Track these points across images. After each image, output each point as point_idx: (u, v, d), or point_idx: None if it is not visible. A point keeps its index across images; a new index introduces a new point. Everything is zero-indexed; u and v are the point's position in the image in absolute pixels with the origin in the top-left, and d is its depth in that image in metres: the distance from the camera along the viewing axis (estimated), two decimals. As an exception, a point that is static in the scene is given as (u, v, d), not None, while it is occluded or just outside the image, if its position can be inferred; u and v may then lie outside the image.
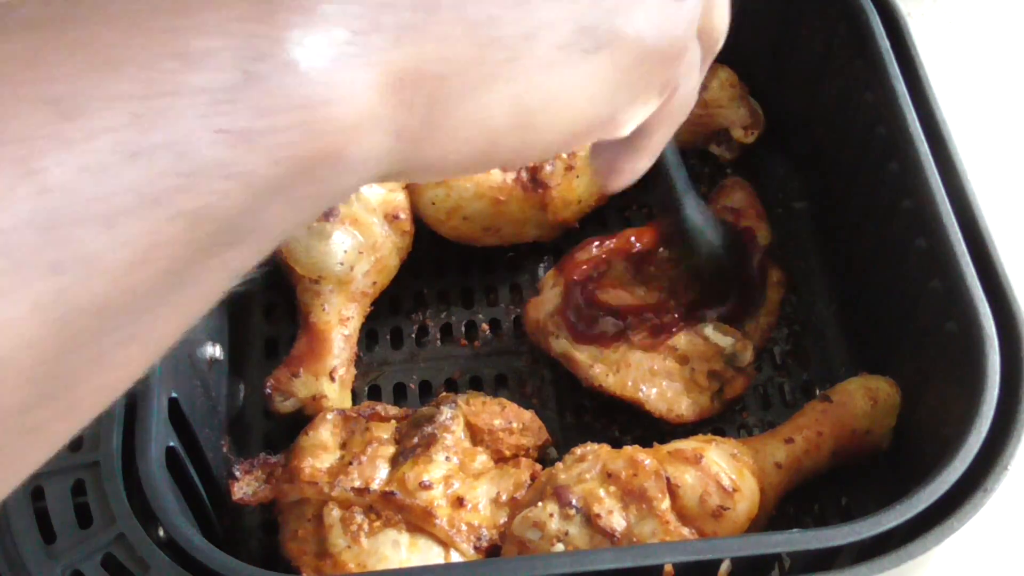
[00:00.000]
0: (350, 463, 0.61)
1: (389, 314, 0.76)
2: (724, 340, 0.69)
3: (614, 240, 0.72)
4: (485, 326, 0.76)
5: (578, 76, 0.34)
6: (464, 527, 0.59)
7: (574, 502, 0.57)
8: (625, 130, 0.38)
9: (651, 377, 0.68)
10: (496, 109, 0.32)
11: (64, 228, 0.23)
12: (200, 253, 0.26)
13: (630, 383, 0.67)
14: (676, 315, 0.69)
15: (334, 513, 0.59)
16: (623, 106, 0.36)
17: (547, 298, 0.70)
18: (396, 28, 0.29)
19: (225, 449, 0.67)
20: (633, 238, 0.72)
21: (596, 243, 0.72)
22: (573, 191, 0.74)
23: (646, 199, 0.82)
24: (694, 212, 0.67)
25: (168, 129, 0.25)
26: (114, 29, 0.25)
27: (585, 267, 0.70)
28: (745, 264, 0.73)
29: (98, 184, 0.24)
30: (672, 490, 0.58)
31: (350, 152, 0.28)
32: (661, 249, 0.72)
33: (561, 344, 0.69)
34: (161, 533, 0.51)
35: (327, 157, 0.28)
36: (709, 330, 0.69)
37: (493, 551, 0.59)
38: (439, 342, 0.75)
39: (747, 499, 0.59)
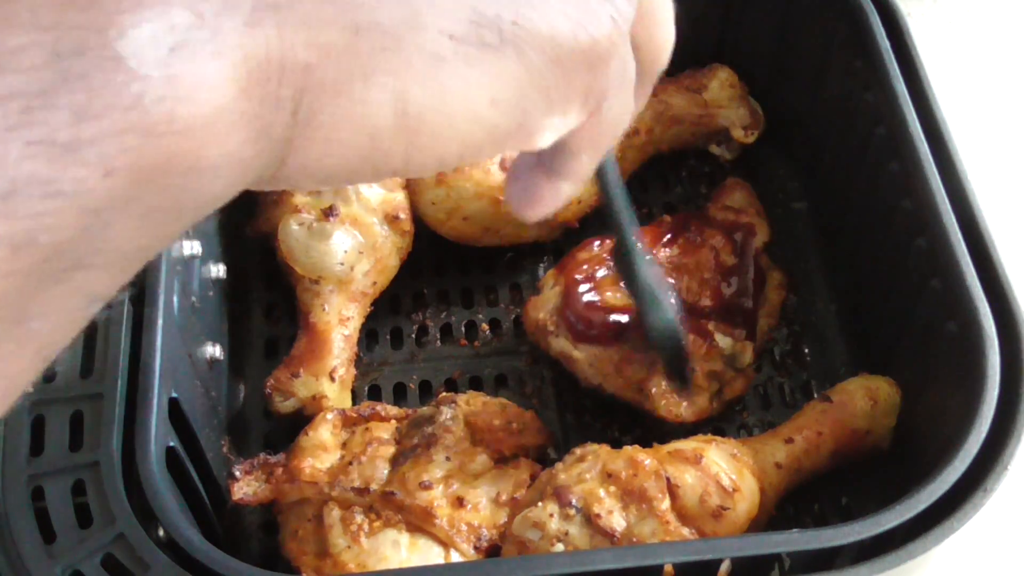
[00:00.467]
0: (350, 463, 0.61)
1: (389, 314, 0.76)
2: (724, 340, 0.69)
3: (612, 241, 0.72)
4: (485, 326, 0.76)
5: (477, 73, 0.29)
6: (464, 527, 0.59)
7: (574, 502, 0.57)
8: (540, 142, 0.33)
9: (651, 377, 0.68)
10: (376, 106, 0.28)
11: None
12: (35, 282, 0.23)
13: (630, 383, 0.67)
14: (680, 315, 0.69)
15: (334, 513, 0.59)
16: (536, 114, 0.32)
17: (547, 298, 0.70)
18: (253, 9, 0.25)
19: (225, 449, 0.67)
20: (633, 238, 0.72)
21: (596, 243, 0.72)
22: (573, 191, 0.74)
23: (646, 199, 0.83)
24: (646, 274, 0.60)
25: None
26: None
27: (585, 267, 0.70)
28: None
29: None
30: (672, 490, 0.58)
31: (205, 156, 0.25)
32: (664, 250, 0.72)
33: (561, 344, 0.69)
34: (161, 533, 0.51)
35: (173, 164, 0.24)
36: (709, 328, 0.70)
37: (493, 551, 0.59)
38: (439, 342, 0.75)
39: (747, 499, 0.59)
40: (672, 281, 0.69)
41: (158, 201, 0.24)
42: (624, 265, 0.60)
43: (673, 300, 0.61)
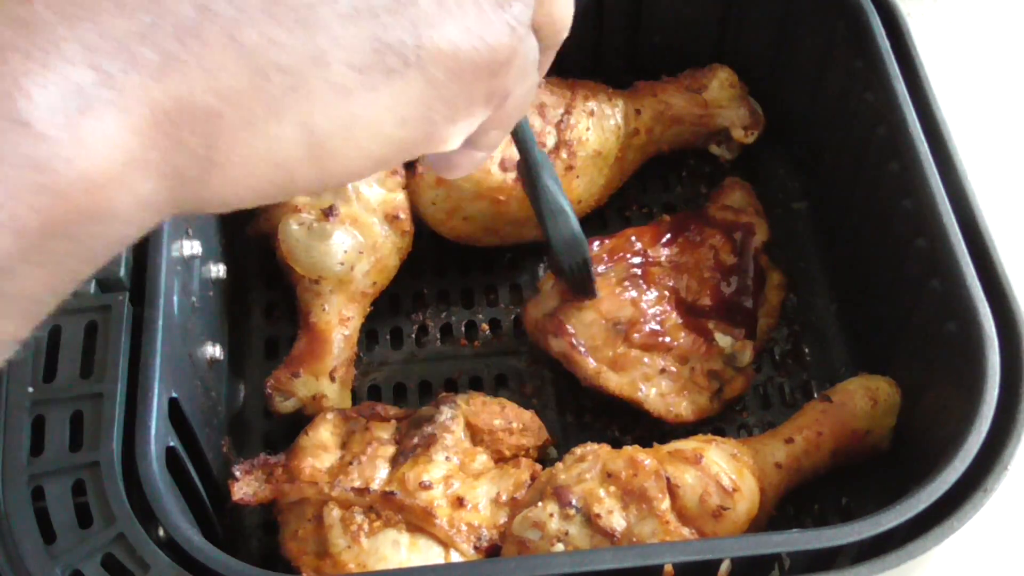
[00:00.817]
0: (350, 463, 0.61)
1: (389, 314, 0.76)
2: (724, 340, 0.69)
3: (614, 240, 0.72)
4: (485, 326, 0.76)
5: (382, 98, 0.30)
6: (464, 527, 0.59)
7: (574, 502, 0.57)
8: (450, 145, 0.34)
9: (650, 377, 0.68)
10: (286, 141, 0.28)
11: None
12: None
13: (629, 383, 0.68)
14: (676, 315, 0.69)
15: (334, 513, 0.59)
16: (443, 124, 0.33)
17: (547, 298, 0.70)
18: (158, 61, 0.25)
19: (225, 449, 0.67)
20: (633, 237, 0.72)
21: (596, 243, 0.72)
22: (573, 191, 0.74)
23: (646, 199, 0.83)
24: (550, 188, 0.63)
25: None
26: None
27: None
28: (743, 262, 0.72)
29: None
30: (672, 490, 0.58)
31: (113, 205, 0.25)
32: (664, 250, 0.72)
33: (561, 344, 0.69)
34: (161, 533, 0.51)
35: (83, 216, 0.25)
36: (709, 328, 0.70)
37: (493, 551, 0.59)
38: (439, 342, 0.75)
39: (747, 499, 0.59)
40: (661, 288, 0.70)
41: (68, 249, 0.25)
42: (529, 179, 0.64)
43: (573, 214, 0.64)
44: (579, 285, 0.68)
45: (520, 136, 0.61)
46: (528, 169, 0.63)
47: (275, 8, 0.27)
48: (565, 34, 0.39)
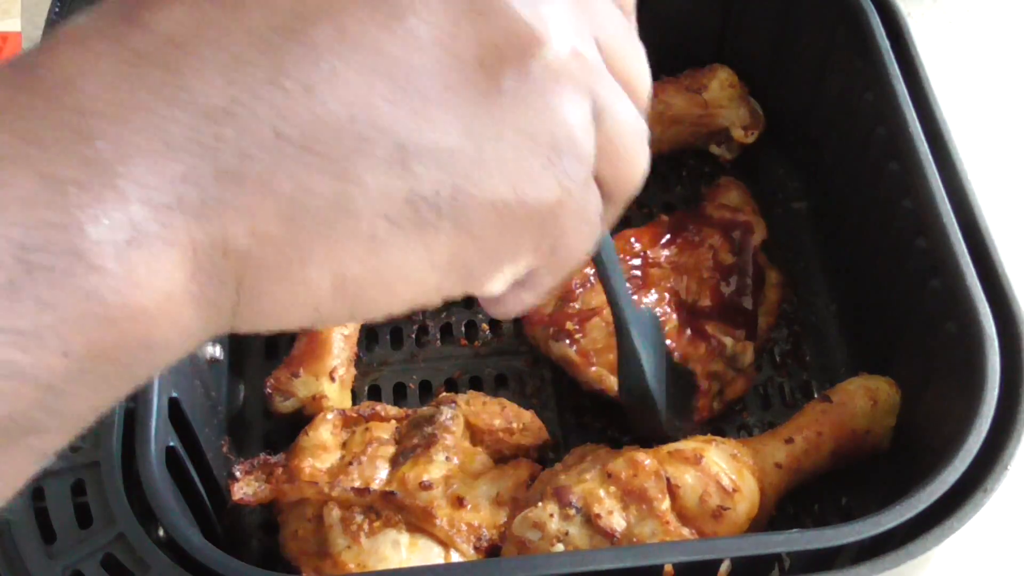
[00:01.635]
0: (350, 463, 0.61)
1: (389, 314, 0.76)
2: (724, 341, 0.69)
3: (614, 241, 0.72)
4: (485, 326, 0.76)
5: (415, 247, 0.30)
6: (464, 527, 0.59)
7: (574, 502, 0.57)
8: (492, 291, 0.34)
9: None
10: (315, 285, 0.29)
11: None
12: None
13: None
14: (675, 316, 0.69)
15: (334, 513, 0.59)
16: (483, 270, 0.32)
17: (547, 301, 0.70)
18: (200, 203, 0.26)
19: (225, 449, 0.67)
20: (633, 239, 0.72)
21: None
22: (573, 191, 0.74)
23: (646, 199, 0.83)
24: (630, 338, 0.62)
25: None
26: None
27: (584, 271, 0.70)
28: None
29: None
30: (672, 490, 0.58)
31: (155, 335, 0.27)
32: (663, 250, 0.72)
33: (560, 347, 0.69)
34: (161, 533, 0.51)
35: (127, 343, 0.26)
36: (709, 330, 0.69)
37: (493, 551, 0.59)
38: (439, 342, 0.75)
39: (747, 499, 0.59)
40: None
41: (110, 372, 0.27)
42: (617, 333, 0.62)
43: (651, 365, 0.63)
44: (642, 427, 0.67)
45: (610, 295, 0.59)
46: (618, 326, 0.61)
47: (309, 158, 0.28)
48: (632, 190, 0.36)
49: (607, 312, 0.68)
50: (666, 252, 0.72)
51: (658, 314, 0.69)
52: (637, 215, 0.81)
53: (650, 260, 0.72)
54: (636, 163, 0.35)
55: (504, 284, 0.34)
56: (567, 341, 0.68)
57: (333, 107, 0.28)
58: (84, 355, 0.25)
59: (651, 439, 0.64)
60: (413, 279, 0.31)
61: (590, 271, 0.70)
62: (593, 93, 0.33)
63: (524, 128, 0.31)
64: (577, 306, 0.69)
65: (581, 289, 0.70)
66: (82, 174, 0.25)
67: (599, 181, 0.34)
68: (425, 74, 0.29)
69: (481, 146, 0.30)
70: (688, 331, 0.69)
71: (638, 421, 0.67)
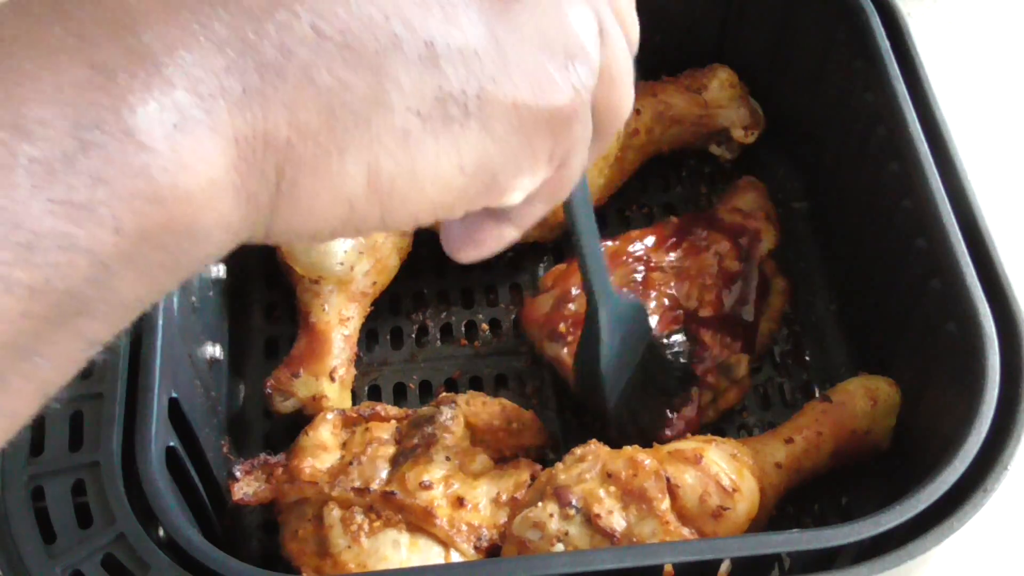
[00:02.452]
0: (350, 463, 0.61)
1: (389, 314, 0.76)
2: (719, 352, 0.69)
3: (618, 242, 0.72)
4: (485, 326, 0.76)
5: (443, 144, 0.32)
6: (464, 527, 0.59)
7: (574, 502, 0.57)
8: (511, 200, 0.35)
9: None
10: (350, 177, 0.31)
11: None
12: (45, 323, 0.26)
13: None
14: (673, 322, 0.69)
15: (334, 513, 0.59)
16: (504, 175, 0.34)
17: (544, 300, 0.70)
18: (242, 93, 0.28)
19: (225, 449, 0.67)
20: (638, 240, 0.72)
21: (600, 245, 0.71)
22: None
23: (646, 199, 0.83)
24: (595, 318, 0.61)
25: (1, 200, 0.24)
26: None
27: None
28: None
29: None
30: (672, 490, 0.58)
31: (200, 219, 0.28)
32: (667, 254, 0.72)
33: (553, 347, 0.68)
34: (161, 533, 0.51)
35: (174, 226, 0.27)
36: (706, 339, 0.69)
37: (493, 551, 0.59)
38: (439, 342, 0.75)
39: (747, 499, 0.59)
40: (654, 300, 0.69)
41: (157, 258, 0.28)
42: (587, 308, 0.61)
43: (612, 352, 0.62)
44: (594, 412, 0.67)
45: (580, 260, 0.59)
46: (586, 286, 0.60)
47: (347, 53, 0.29)
48: (619, 124, 0.39)
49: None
50: (670, 256, 0.72)
51: (659, 313, 0.69)
52: (637, 215, 0.82)
53: (653, 263, 0.71)
54: (627, 93, 0.38)
55: (521, 195, 0.36)
56: (560, 342, 0.68)
57: (368, 8, 0.30)
58: (134, 234, 0.26)
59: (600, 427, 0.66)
60: (442, 180, 0.32)
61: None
62: (599, 14, 0.35)
63: (542, 34, 0.33)
64: (573, 307, 0.69)
65: (579, 291, 0.70)
66: (130, 63, 0.26)
67: (593, 107, 0.36)
68: None
69: (504, 49, 0.32)
70: (685, 338, 0.69)
71: (589, 404, 0.67)
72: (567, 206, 0.55)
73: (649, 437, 0.64)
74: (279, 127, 0.29)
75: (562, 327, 0.68)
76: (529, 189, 0.36)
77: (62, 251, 0.25)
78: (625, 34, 0.37)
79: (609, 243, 0.72)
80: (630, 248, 0.72)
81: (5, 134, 0.25)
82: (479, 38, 0.31)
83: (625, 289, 0.69)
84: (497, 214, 0.39)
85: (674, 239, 0.73)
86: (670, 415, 0.67)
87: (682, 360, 0.68)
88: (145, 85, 0.26)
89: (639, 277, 0.71)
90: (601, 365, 0.63)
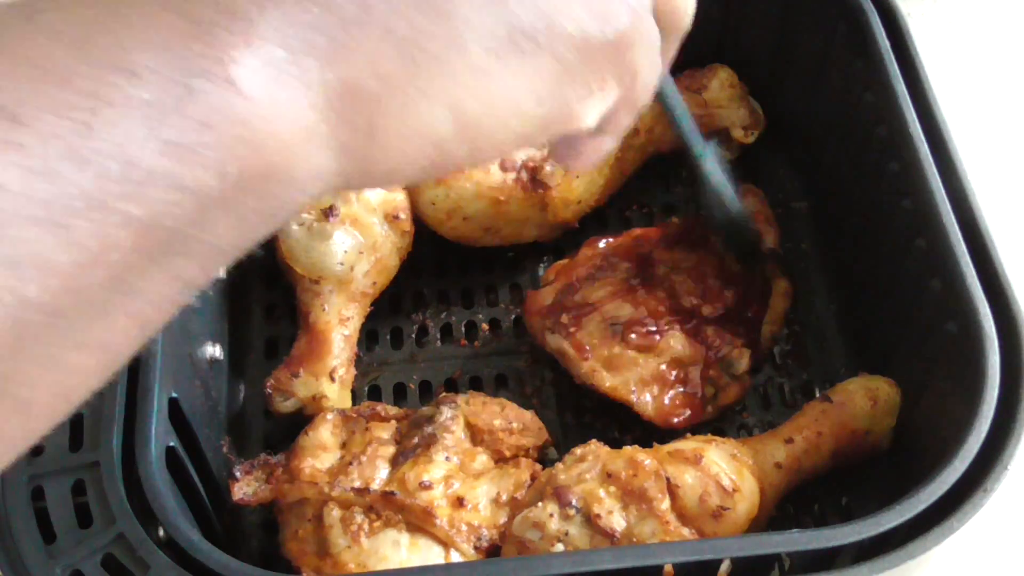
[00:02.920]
0: (350, 463, 0.61)
1: (389, 314, 0.76)
2: (721, 346, 0.69)
3: (619, 239, 0.72)
4: (485, 326, 0.76)
5: (519, 78, 0.33)
6: (464, 527, 0.59)
7: (574, 502, 0.57)
8: (587, 122, 0.38)
9: (644, 379, 0.67)
10: (437, 119, 0.32)
11: (16, 227, 0.24)
12: (149, 260, 0.27)
13: (622, 383, 0.67)
14: (675, 318, 0.69)
15: (334, 513, 0.59)
16: (577, 100, 0.36)
17: (546, 293, 0.70)
18: (329, 48, 0.29)
19: (225, 449, 0.67)
20: (640, 238, 0.72)
21: (601, 242, 0.72)
22: (573, 191, 0.74)
23: (646, 199, 0.83)
24: (713, 170, 0.69)
25: (116, 139, 0.26)
26: (62, 44, 0.26)
27: (588, 266, 0.70)
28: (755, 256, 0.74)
29: (49, 186, 0.25)
30: (672, 490, 0.58)
31: (295, 168, 0.29)
32: (668, 252, 0.72)
33: (555, 339, 0.69)
34: (161, 533, 0.51)
35: (272, 172, 0.29)
36: (708, 333, 0.69)
37: (493, 551, 0.59)
38: (439, 342, 0.75)
39: (747, 499, 0.59)
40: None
41: (254, 205, 0.29)
42: (696, 169, 0.69)
43: (734, 194, 0.71)
44: (738, 246, 0.73)
45: (681, 132, 0.66)
46: (693, 159, 0.68)
47: (420, 3, 0.31)
48: (687, 21, 0.42)
49: (606, 308, 0.69)
50: (671, 254, 0.72)
51: (655, 314, 0.69)
52: (637, 215, 0.82)
53: (654, 260, 0.71)
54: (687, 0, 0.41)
55: (595, 116, 0.38)
56: (563, 334, 0.68)
57: None
58: (235, 179, 0.28)
59: (746, 251, 0.73)
60: (522, 111, 0.34)
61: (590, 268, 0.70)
62: None
63: None
64: (577, 299, 0.69)
65: (580, 284, 0.70)
66: (228, 20, 0.28)
67: (657, 14, 0.39)
68: None
69: None
70: (685, 334, 0.69)
71: (733, 240, 0.73)
72: (658, 94, 0.59)
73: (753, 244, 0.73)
74: (365, 78, 0.30)
75: (564, 319, 0.68)
76: (603, 109, 0.38)
77: (172, 190, 0.26)
78: None
79: (611, 239, 0.72)
80: (632, 243, 0.72)
81: (120, 78, 0.26)
82: None
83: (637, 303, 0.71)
84: (593, 129, 0.40)
85: (676, 238, 0.73)
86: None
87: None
88: (244, 41, 0.28)
89: (641, 273, 0.71)
90: (731, 204, 0.70)
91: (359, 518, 0.59)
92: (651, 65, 0.39)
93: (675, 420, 0.67)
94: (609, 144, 0.43)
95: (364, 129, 0.31)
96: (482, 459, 0.63)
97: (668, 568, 0.49)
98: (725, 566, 0.50)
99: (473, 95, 0.33)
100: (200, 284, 0.29)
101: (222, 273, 0.72)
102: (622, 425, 0.70)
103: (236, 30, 0.28)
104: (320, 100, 0.29)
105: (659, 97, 0.60)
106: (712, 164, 0.69)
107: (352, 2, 0.30)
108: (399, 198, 0.72)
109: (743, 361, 0.69)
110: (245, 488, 0.61)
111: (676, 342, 0.68)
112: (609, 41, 0.35)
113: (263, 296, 0.77)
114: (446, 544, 0.58)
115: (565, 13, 0.34)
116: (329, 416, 0.65)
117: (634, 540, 0.56)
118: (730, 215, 0.71)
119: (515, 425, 0.65)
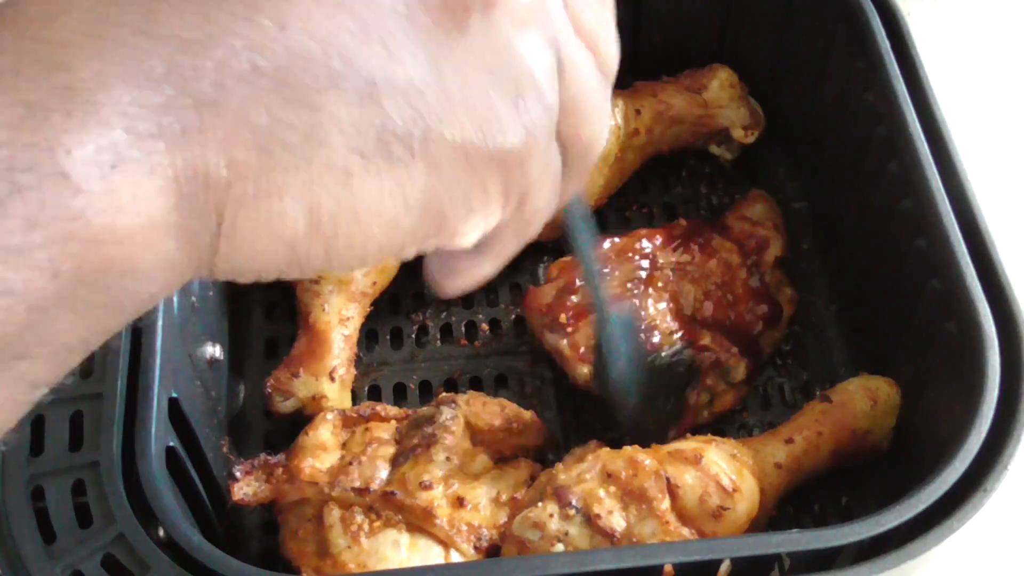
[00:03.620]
0: (350, 463, 0.61)
1: (389, 314, 0.76)
2: (718, 354, 0.69)
3: (624, 239, 0.72)
4: (485, 326, 0.76)
5: (388, 184, 0.30)
6: (464, 527, 0.59)
7: (574, 502, 0.57)
8: (465, 240, 0.34)
9: None
10: (291, 219, 0.29)
11: None
12: None
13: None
14: (674, 322, 0.69)
15: (334, 513, 0.59)
16: (456, 216, 0.33)
17: (547, 290, 0.70)
18: (180, 132, 0.27)
19: (225, 449, 0.67)
20: (645, 239, 0.72)
21: (606, 242, 0.72)
22: (573, 191, 0.74)
23: (646, 199, 0.83)
24: (608, 329, 0.63)
25: None
26: None
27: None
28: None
29: None
30: (672, 490, 0.58)
31: (139, 261, 0.27)
32: (673, 256, 0.72)
33: (553, 339, 0.68)
34: (161, 533, 0.51)
35: (112, 268, 0.27)
36: (705, 341, 0.69)
37: (493, 551, 0.59)
38: (439, 342, 0.75)
39: (747, 499, 0.59)
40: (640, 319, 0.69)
41: (98, 299, 0.27)
42: (594, 313, 0.63)
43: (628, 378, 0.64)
44: (617, 419, 0.68)
45: (584, 268, 0.59)
46: (593, 306, 0.62)
47: (285, 90, 0.28)
48: (592, 157, 0.37)
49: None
50: (675, 258, 0.72)
51: (654, 318, 0.69)
52: (637, 215, 0.81)
53: (658, 264, 0.71)
54: (597, 124, 0.36)
55: (476, 235, 0.34)
56: (561, 333, 0.68)
57: (307, 43, 0.28)
58: (71, 277, 0.26)
59: (620, 432, 0.66)
60: (387, 219, 0.31)
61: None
62: (556, 44, 0.33)
63: (490, 70, 0.32)
64: (576, 299, 0.69)
65: (582, 283, 0.70)
66: (66, 103, 0.26)
67: (561, 141, 0.35)
68: (392, 15, 0.30)
69: (448, 86, 0.31)
70: (683, 340, 0.69)
71: (609, 411, 0.68)
72: (566, 229, 0.54)
73: (662, 436, 0.65)
74: (218, 167, 0.28)
75: (563, 318, 0.68)
76: (485, 228, 0.35)
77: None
78: (596, 56, 0.35)
79: (616, 240, 0.72)
80: (637, 245, 0.72)
81: None
82: (423, 75, 0.30)
83: (624, 302, 0.69)
84: (473, 250, 0.37)
85: (681, 241, 0.73)
86: (678, 412, 0.68)
87: (681, 369, 0.68)
88: (81, 125, 0.26)
89: (643, 274, 0.71)
90: (611, 375, 0.64)
91: (359, 518, 0.59)
92: (544, 190, 0.35)
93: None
94: (488, 269, 0.40)
95: (215, 220, 0.28)
96: (482, 459, 0.63)
97: (668, 568, 0.49)
98: (725, 566, 0.50)
99: (332, 197, 0.30)
100: (53, 382, 0.28)
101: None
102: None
103: (75, 114, 0.26)
104: (169, 187, 0.27)
105: (568, 238, 0.54)
106: (613, 337, 0.63)
107: (211, 84, 0.27)
108: (399, 198, 0.72)
109: (739, 370, 0.69)
110: (245, 488, 0.61)
111: (673, 347, 0.68)
112: (494, 156, 0.32)
113: (263, 296, 0.77)
114: (446, 544, 0.58)
115: (447, 120, 0.31)
116: (329, 416, 0.65)
117: (634, 540, 0.56)
118: (617, 391, 0.65)
119: (515, 425, 0.65)
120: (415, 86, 0.30)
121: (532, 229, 0.37)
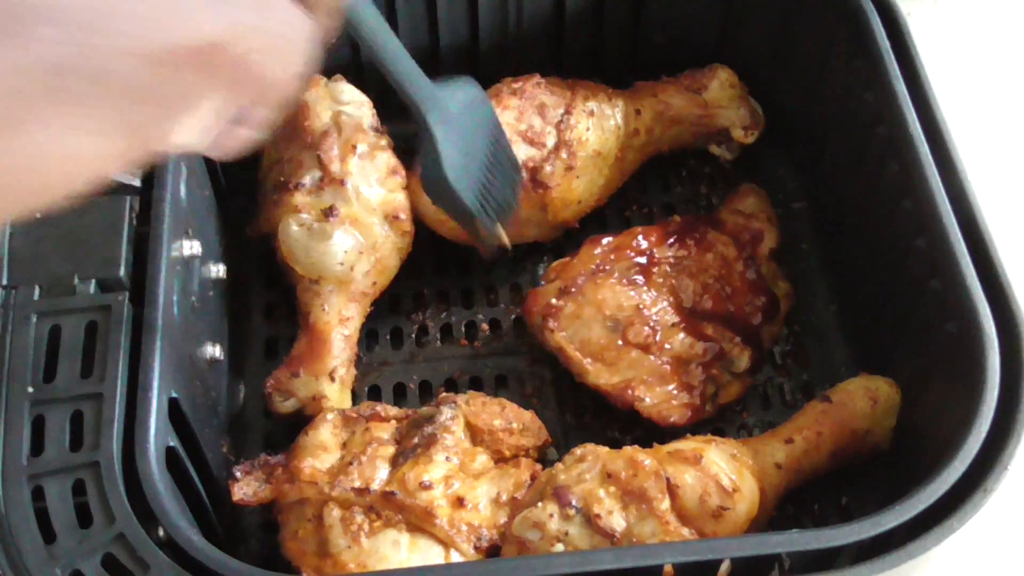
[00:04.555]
0: (350, 463, 0.61)
1: (389, 314, 0.76)
2: (721, 345, 0.69)
3: (620, 237, 0.72)
4: (485, 326, 0.76)
5: (60, 121, 0.27)
6: (464, 527, 0.59)
7: (574, 502, 0.57)
8: (182, 140, 0.32)
9: (644, 377, 0.67)
10: None
11: None
12: None
13: (621, 381, 0.67)
14: (675, 317, 0.69)
15: (334, 513, 0.59)
16: (155, 123, 0.30)
17: (547, 291, 0.70)
18: None
19: (225, 449, 0.67)
20: (640, 236, 0.72)
21: (605, 240, 0.72)
22: (573, 191, 0.74)
23: (646, 199, 0.83)
24: (435, 116, 0.59)
25: None
26: None
27: (589, 265, 0.70)
28: None
29: None
30: (672, 490, 0.58)
31: None
32: (669, 251, 0.72)
33: (555, 336, 0.69)
34: (161, 533, 0.51)
35: None
36: (707, 332, 0.69)
37: (493, 551, 0.59)
38: (439, 342, 0.75)
39: (747, 499, 0.59)
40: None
41: None
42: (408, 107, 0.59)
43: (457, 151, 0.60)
44: (465, 226, 0.65)
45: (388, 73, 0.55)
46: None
47: None
48: (274, 90, 0.34)
49: (606, 307, 0.69)
50: (672, 253, 0.72)
51: (655, 312, 0.69)
52: (637, 215, 0.82)
53: (655, 259, 0.71)
54: (273, 53, 0.33)
55: (195, 133, 0.32)
56: (563, 332, 0.68)
57: None
58: None
59: (477, 234, 0.64)
60: (75, 154, 0.28)
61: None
62: None
63: None
64: (577, 298, 0.69)
65: (582, 282, 0.70)
66: None
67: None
68: None
69: None
70: (685, 332, 0.69)
71: (456, 220, 0.65)
72: (351, 26, 0.49)
73: (507, 212, 0.63)
74: None
75: (564, 316, 0.68)
76: (204, 123, 0.32)
77: None
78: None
79: (612, 239, 0.72)
80: (633, 243, 0.72)
81: None
82: None
83: (639, 296, 0.69)
84: (231, 122, 0.35)
85: (676, 236, 0.73)
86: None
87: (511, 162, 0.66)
88: None
89: (641, 271, 0.71)
90: (449, 176, 0.60)
91: (359, 518, 0.59)
92: (276, 60, 0.32)
93: (674, 419, 0.67)
94: (248, 135, 0.37)
95: None
96: (482, 459, 0.63)
97: (668, 568, 0.49)
98: (725, 566, 0.50)
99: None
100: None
101: (223, 273, 0.72)
102: (622, 425, 0.70)
103: None
104: None
105: (351, 27, 0.48)
106: (438, 121, 0.58)
107: None
108: (399, 198, 0.72)
109: (744, 359, 0.69)
110: (245, 488, 0.61)
111: (676, 341, 0.68)
112: (188, 55, 0.29)
113: (263, 296, 0.77)
114: (446, 544, 0.58)
115: (115, 32, 0.27)
116: (329, 416, 0.65)
117: (634, 540, 0.56)
118: (442, 184, 0.62)
119: (515, 425, 0.65)
120: (68, 3, 0.27)
121: (277, 96, 0.34)
